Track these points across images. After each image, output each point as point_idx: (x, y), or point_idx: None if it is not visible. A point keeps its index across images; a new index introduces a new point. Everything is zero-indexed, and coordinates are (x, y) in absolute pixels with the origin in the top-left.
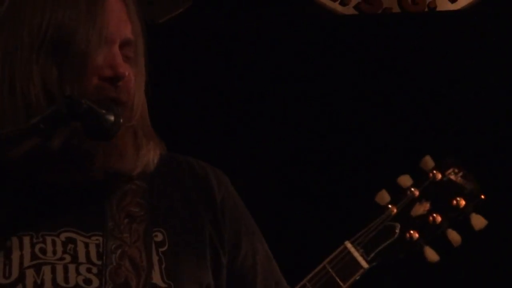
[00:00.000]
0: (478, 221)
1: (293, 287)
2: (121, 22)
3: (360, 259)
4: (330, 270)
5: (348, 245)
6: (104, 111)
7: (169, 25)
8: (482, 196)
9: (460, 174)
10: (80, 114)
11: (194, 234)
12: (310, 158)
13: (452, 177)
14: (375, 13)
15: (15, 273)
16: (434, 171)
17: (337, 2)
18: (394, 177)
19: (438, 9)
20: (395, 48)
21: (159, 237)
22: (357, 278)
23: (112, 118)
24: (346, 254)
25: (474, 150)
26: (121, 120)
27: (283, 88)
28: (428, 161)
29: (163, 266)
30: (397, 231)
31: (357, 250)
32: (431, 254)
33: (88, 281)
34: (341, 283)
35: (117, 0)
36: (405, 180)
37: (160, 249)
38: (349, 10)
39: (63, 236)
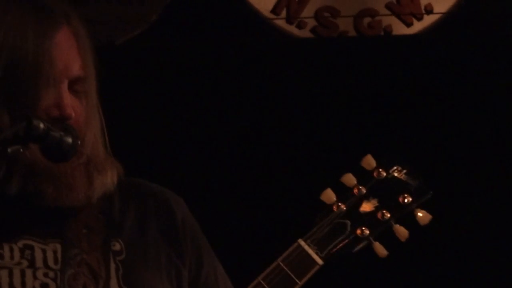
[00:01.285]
0: (424, 217)
1: (247, 285)
2: (69, 60)
3: (314, 256)
4: (284, 267)
5: (302, 242)
6: (62, 133)
7: (126, 46)
8: (430, 192)
9: (404, 171)
10: (38, 136)
11: (152, 247)
12: (255, 161)
13: (396, 174)
14: (331, 36)
15: None
16: (379, 169)
17: (294, 25)
18: (336, 177)
19: (394, 33)
20: (350, 71)
21: (117, 247)
22: (312, 274)
23: (70, 140)
24: (300, 251)
25: (410, 149)
26: (79, 142)
27: (239, 107)
28: (370, 160)
29: (120, 272)
30: (348, 228)
31: (311, 247)
32: (381, 249)
33: (45, 285)
34: (296, 280)
35: (67, 36)
36: (349, 179)
37: (118, 258)
38: (305, 33)
39: (20, 243)
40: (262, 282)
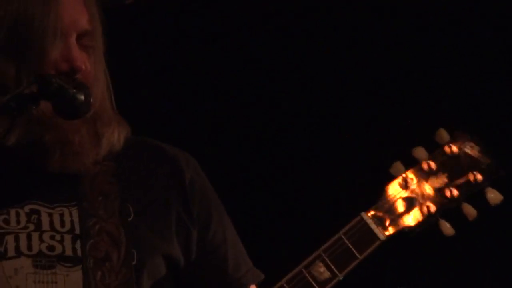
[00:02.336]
0: (495, 197)
1: (308, 256)
2: (77, 14)
3: (376, 230)
4: (346, 241)
5: (365, 216)
6: (74, 90)
7: (137, 5)
8: (502, 172)
9: (477, 148)
10: (51, 93)
11: (161, 209)
12: (327, 130)
13: (469, 151)
14: None
15: None
16: (452, 144)
17: None
18: (408, 149)
19: None
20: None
21: (129, 209)
22: (373, 249)
23: (82, 97)
24: (362, 225)
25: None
26: (91, 99)
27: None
28: (443, 134)
29: (129, 235)
30: (414, 203)
31: (374, 221)
32: (447, 228)
33: (51, 248)
34: (357, 254)
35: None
36: (420, 153)
37: (129, 219)
38: None
39: (27, 208)
40: (323, 255)
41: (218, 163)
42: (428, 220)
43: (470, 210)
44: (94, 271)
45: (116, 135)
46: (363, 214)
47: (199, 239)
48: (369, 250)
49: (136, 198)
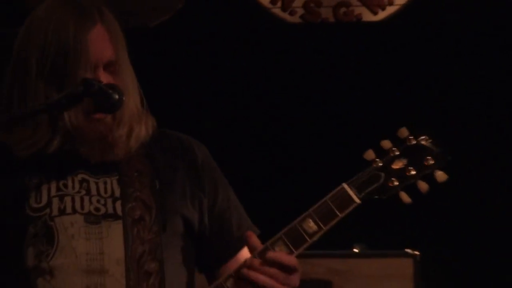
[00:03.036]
0: (441, 176)
1: (300, 215)
2: (103, 49)
3: (354, 196)
4: (330, 203)
5: (345, 186)
6: (110, 91)
7: (160, 29)
8: (448, 157)
9: (430, 140)
10: (93, 92)
11: (180, 183)
12: (318, 127)
13: (423, 142)
14: (315, 22)
15: (44, 200)
16: (410, 138)
17: (287, 13)
18: (378, 141)
19: (363, 20)
20: (331, 50)
21: (157, 184)
22: (350, 210)
23: (116, 96)
24: (343, 192)
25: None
26: (123, 98)
27: (261, 81)
28: (404, 131)
29: (158, 202)
30: (382, 178)
31: (351, 190)
32: (405, 197)
33: (97, 209)
34: (337, 213)
35: (100, 31)
36: (386, 144)
37: (156, 191)
38: (295, 19)
39: (79, 177)
40: (312, 214)
41: (223, 147)
42: (392, 191)
43: (423, 186)
44: (131, 227)
45: (144, 130)
46: (344, 184)
47: (209, 206)
48: (347, 211)
49: (162, 175)
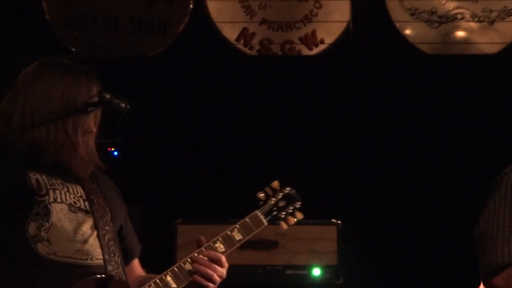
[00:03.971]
0: (300, 215)
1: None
2: (94, 92)
3: (263, 220)
4: (249, 222)
5: (258, 212)
6: (119, 101)
7: (156, 58)
8: (301, 202)
9: (292, 190)
10: (106, 101)
11: (115, 201)
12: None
13: (291, 192)
14: (268, 55)
15: (44, 190)
16: (282, 188)
17: (247, 48)
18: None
19: (302, 54)
20: (278, 75)
21: (105, 198)
22: (260, 229)
23: (123, 104)
24: (256, 216)
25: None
26: (128, 106)
27: (239, 108)
28: (276, 183)
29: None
30: (276, 211)
31: (262, 215)
32: (284, 226)
33: (75, 203)
34: (254, 229)
35: (97, 85)
36: (269, 191)
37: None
38: (253, 52)
39: (59, 180)
40: (239, 227)
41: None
42: (279, 220)
43: (291, 220)
44: (99, 220)
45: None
46: (256, 211)
47: (125, 222)
48: (259, 228)
49: (105, 192)
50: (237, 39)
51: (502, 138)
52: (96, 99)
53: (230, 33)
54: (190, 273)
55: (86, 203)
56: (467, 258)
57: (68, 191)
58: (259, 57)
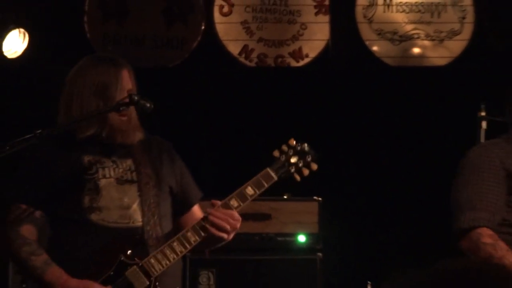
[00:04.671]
0: (314, 166)
1: (243, 184)
2: (128, 82)
3: (274, 175)
4: (260, 179)
5: (268, 169)
6: (144, 101)
7: (175, 69)
8: (318, 155)
9: (307, 145)
10: (135, 102)
11: (165, 164)
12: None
13: (305, 147)
14: (263, 66)
15: (94, 170)
16: (297, 144)
17: (247, 60)
18: (280, 146)
19: (291, 65)
20: (272, 82)
21: (153, 166)
22: (272, 183)
23: (148, 104)
24: (267, 173)
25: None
26: (152, 106)
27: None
28: (292, 141)
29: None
30: (286, 166)
31: (272, 172)
32: (297, 177)
33: (122, 176)
34: (265, 184)
35: (126, 72)
36: (285, 147)
37: (153, 169)
38: (252, 64)
39: (112, 158)
40: (251, 184)
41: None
42: (291, 174)
43: (305, 171)
44: (143, 187)
45: (140, 132)
46: (267, 168)
47: (178, 178)
48: (270, 183)
49: (155, 160)
50: (239, 54)
51: (449, 134)
52: (127, 99)
53: (234, 48)
54: (206, 226)
55: (134, 173)
56: (438, 226)
57: (117, 166)
58: (256, 68)
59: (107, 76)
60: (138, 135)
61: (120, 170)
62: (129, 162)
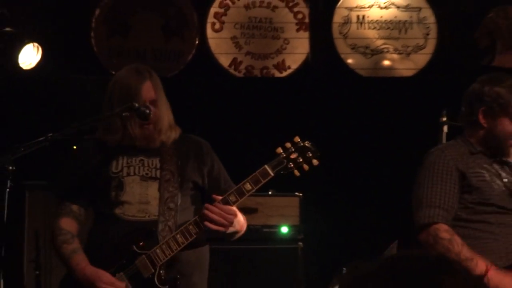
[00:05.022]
0: (315, 162)
1: (240, 182)
2: (149, 92)
3: (270, 172)
4: (258, 175)
5: (266, 166)
6: (144, 108)
7: (173, 79)
8: (319, 152)
9: (308, 142)
10: (135, 109)
11: (192, 161)
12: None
13: (306, 144)
14: (251, 76)
15: (119, 168)
16: (299, 141)
17: (237, 71)
18: (284, 143)
19: (275, 76)
20: (259, 91)
21: (179, 163)
22: (269, 179)
23: (147, 111)
24: (264, 169)
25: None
26: (151, 112)
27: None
28: (297, 138)
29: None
30: (284, 163)
31: (269, 168)
32: (297, 173)
33: (146, 174)
34: (262, 180)
35: (148, 83)
36: (287, 144)
37: (178, 166)
38: (241, 75)
39: (139, 157)
40: (249, 180)
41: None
42: (290, 170)
43: (306, 167)
44: (163, 184)
45: (173, 134)
46: (265, 165)
47: (208, 172)
48: (267, 179)
49: (182, 158)
50: (229, 65)
51: (414, 137)
52: (128, 106)
53: (224, 61)
54: (201, 220)
55: (158, 171)
56: (404, 218)
57: (143, 165)
58: (244, 78)
59: (127, 91)
60: (169, 136)
61: (146, 168)
62: (156, 160)
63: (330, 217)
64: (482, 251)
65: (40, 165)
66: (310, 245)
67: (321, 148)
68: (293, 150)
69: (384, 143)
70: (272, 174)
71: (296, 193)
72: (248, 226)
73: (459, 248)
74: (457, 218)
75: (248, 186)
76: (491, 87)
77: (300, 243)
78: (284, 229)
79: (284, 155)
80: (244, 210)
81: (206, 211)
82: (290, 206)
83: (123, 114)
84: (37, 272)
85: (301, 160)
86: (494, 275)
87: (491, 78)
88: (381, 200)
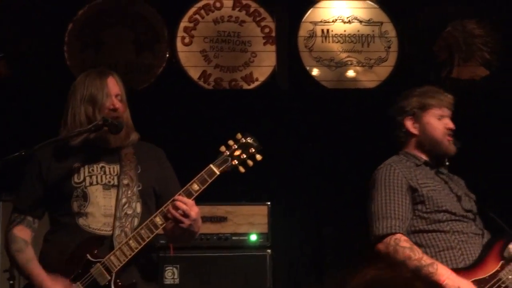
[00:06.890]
0: (259, 157)
1: (188, 182)
2: (114, 87)
3: (216, 170)
4: (204, 175)
5: (211, 165)
6: (116, 122)
7: (143, 91)
8: (261, 146)
9: (250, 138)
10: (107, 124)
11: (151, 168)
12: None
13: (249, 140)
14: (219, 89)
15: (81, 178)
16: (241, 138)
17: (206, 83)
18: (226, 140)
19: (243, 88)
20: (226, 100)
21: (139, 169)
22: (215, 179)
23: (117, 123)
24: (210, 169)
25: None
26: (122, 124)
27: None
28: (239, 135)
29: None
30: (229, 161)
31: (215, 167)
32: (241, 169)
33: (109, 182)
34: (208, 180)
35: (112, 78)
36: (231, 142)
37: (138, 172)
38: (209, 87)
39: (100, 164)
40: (196, 181)
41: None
42: (235, 167)
43: (250, 162)
44: (121, 188)
45: (134, 135)
46: (210, 164)
47: (162, 179)
48: (213, 178)
49: (141, 164)
50: (199, 78)
51: (375, 145)
52: (101, 121)
53: (194, 73)
54: (169, 209)
55: (117, 178)
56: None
57: (105, 173)
58: (213, 91)
59: (94, 86)
60: (132, 137)
61: (107, 176)
62: (116, 167)
63: (297, 225)
64: (439, 259)
65: (13, 177)
66: (279, 253)
67: (289, 158)
68: (236, 147)
69: (348, 151)
70: (218, 173)
71: (266, 202)
72: (218, 235)
73: (420, 255)
74: (412, 230)
75: (195, 187)
76: (407, 99)
77: (269, 251)
78: (253, 237)
79: (228, 153)
80: (214, 219)
81: (178, 202)
82: (259, 214)
83: (93, 128)
84: (11, 282)
85: (244, 156)
86: (453, 279)
87: (403, 94)
88: (348, 209)
